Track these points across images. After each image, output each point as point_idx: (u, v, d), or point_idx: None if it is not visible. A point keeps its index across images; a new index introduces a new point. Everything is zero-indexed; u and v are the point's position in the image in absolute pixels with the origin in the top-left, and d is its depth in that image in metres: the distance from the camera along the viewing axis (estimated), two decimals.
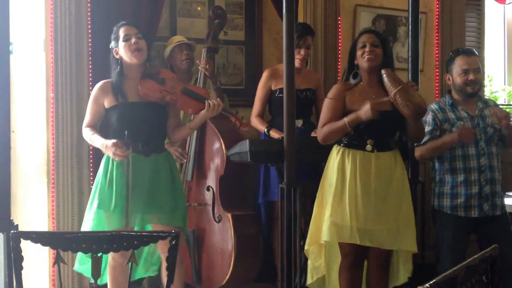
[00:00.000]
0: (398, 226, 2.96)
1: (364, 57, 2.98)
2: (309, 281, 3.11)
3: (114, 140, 2.85)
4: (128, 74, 3.04)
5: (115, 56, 3.04)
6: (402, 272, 3.07)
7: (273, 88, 3.88)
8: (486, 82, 5.34)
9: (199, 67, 3.77)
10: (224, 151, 3.64)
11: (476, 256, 1.65)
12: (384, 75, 2.96)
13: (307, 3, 4.37)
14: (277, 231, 3.33)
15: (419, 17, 3.65)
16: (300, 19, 4.32)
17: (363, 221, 2.90)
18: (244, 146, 3.25)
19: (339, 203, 2.93)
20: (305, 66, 4.08)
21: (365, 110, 2.87)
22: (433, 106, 3.48)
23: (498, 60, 5.77)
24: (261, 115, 3.91)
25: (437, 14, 4.85)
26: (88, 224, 2.97)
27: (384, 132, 3.01)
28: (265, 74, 3.93)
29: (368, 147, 2.96)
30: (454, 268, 1.53)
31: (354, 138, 2.98)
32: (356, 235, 2.89)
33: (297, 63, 3.55)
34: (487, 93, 5.50)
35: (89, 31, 3.68)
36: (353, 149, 2.98)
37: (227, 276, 3.61)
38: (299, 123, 3.81)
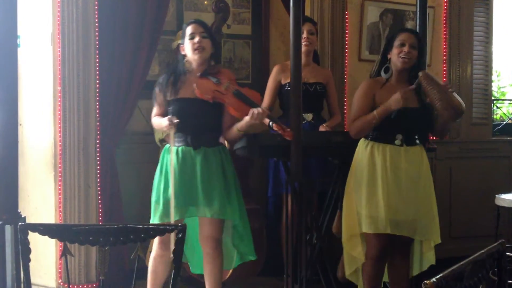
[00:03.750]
0: (426, 217, 3.05)
1: (401, 57, 3.02)
2: (347, 272, 3.15)
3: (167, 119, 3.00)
4: (190, 70, 3.12)
5: (181, 53, 3.13)
6: (425, 260, 3.16)
7: (282, 82, 3.89)
8: (494, 77, 5.31)
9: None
10: (227, 146, 3.64)
11: (482, 251, 1.65)
12: (422, 78, 2.99)
13: None
14: (284, 225, 3.33)
15: (427, 11, 3.64)
16: (307, 13, 4.30)
17: (395, 212, 2.98)
18: (250, 140, 3.25)
19: (372, 196, 3.00)
20: (318, 63, 4.08)
21: (395, 99, 2.95)
22: None
23: (506, 55, 5.74)
24: (269, 109, 3.91)
25: (445, 9, 4.83)
26: (152, 219, 3.06)
27: (412, 128, 3.08)
28: (275, 69, 3.95)
29: (397, 141, 3.02)
30: (461, 263, 1.53)
31: (382, 133, 3.03)
32: (388, 226, 2.96)
33: (303, 48, 3.53)
34: (495, 88, 5.47)
35: (96, 24, 3.68)
36: (382, 143, 3.03)
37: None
38: (308, 116, 3.81)
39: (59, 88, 3.61)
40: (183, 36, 3.13)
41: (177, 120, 2.97)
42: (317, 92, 3.89)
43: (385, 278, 3.24)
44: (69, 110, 3.62)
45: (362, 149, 3.08)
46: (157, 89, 3.13)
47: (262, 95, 3.97)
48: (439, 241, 3.10)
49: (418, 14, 3.58)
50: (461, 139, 4.92)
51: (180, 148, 3.05)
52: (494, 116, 5.33)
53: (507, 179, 4.92)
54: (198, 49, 3.05)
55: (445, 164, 4.85)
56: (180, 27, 4.20)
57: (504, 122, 5.38)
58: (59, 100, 3.62)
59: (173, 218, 2.95)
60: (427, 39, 3.65)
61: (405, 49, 3.01)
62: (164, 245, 2.99)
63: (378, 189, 2.99)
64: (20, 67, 3.26)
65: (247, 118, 3.01)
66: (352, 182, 3.09)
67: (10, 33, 2.56)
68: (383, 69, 3.08)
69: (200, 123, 3.05)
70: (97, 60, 3.68)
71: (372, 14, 4.59)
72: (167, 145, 3.12)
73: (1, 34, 2.52)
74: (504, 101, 5.64)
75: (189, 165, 3.03)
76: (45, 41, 3.66)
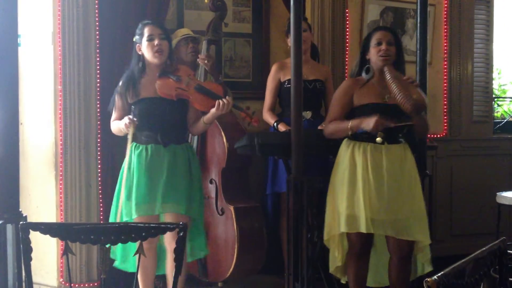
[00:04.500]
0: (410, 216, 3.01)
1: (380, 56, 3.01)
2: (330, 269, 3.17)
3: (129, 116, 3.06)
4: (148, 70, 3.16)
5: (138, 52, 3.16)
6: (420, 264, 3.14)
7: (282, 79, 3.88)
8: (495, 75, 5.31)
9: (198, 61, 3.78)
10: (226, 144, 3.66)
11: (484, 248, 1.65)
12: (386, 72, 3.00)
13: None
14: (285, 224, 3.33)
15: (428, 9, 3.63)
16: (308, 11, 4.30)
17: (377, 211, 2.95)
18: (251, 139, 3.26)
19: (353, 195, 2.98)
20: (318, 58, 4.08)
21: (368, 122, 2.93)
22: None
23: (507, 53, 5.74)
24: (272, 109, 3.92)
25: (446, 7, 4.82)
26: (114, 215, 3.08)
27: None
28: (274, 67, 3.94)
29: (379, 139, 2.99)
30: (463, 261, 1.53)
31: (363, 131, 3.00)
32: (370, 225, 2.94)
33: None
34: (496, 86, 5.47)
35: (97, 23, 3.68)
36: (363, 142, 3.01)
37: (231, 268, 3.62)
38: (308, 114, 3.81)
39: (59, 87, 3.62)
40: (139, 35, 3.14)
41: (135, 119, 3.02)
42: (316, 89, 3.89)
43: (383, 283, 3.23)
44: (70, 109, 3.62)
45: (344, 148, 3.07)
46: (116, 97, 3.16)
47: (263, 93, 3.98)
48: (428, 241, 3.05)
49: (418, 12, 3.58)
50: (462, 137, 4.92)
51: (149, 146, 3.09)
52: (495, 114, 5.33)
53: (508, 177, 4.92)
54: (158, 51, 3.09)
55: (446, 162, 4.85)
56: (181, 25, 4.20)
57: (505, 120, 5.38)
58: (59, 99, 3.62)
59: (140, 214, 3.01)
60: (427, 37, 3.64)
61: (383, 47, 3.01)
62: (150, 240, 2.97)
63: (359, 188, 2.97)
64: (21, 66, 3.25)
65: (213, 110, 3.09)
66: (334, 181, 3.08)
67: (10, 32, 2.55)
68: (364, 69, 3.07)
69: (167, 121, 3.11)
70: (98, 59, 3.68)
71: (373, 12, 4.59)
72: (134, 143, 3.14)
73: (1, 33, 2.52)
74: (505, 99, 5.64)
75: (157, 162, 3.08)
76: (45, 40, 3.66)
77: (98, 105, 3.67)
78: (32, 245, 1.88)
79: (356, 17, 4.53)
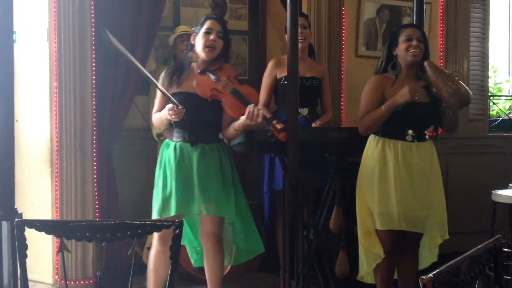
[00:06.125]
0: (437, 212, 3.08)
1: (410, 51, 3.02)
2: (367, 271, 3.12)
3: (169, 105, 2.94)
4: (194, 63, 3.08)
5: (191, 41, 3.10)
6: (428, 256, 3.19)
7: (278, 76, 3.88)
8: (490, 73, 5.32)
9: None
10: (225, 141, 3.64)
11: (479, 246, 1.65)
12: (428, 67, 3.02)
13: None
14: (281, 221, 3.33)
15: (424, 7, 3.64)
16: (304, 9, 4.30)
17: (408, 208, 2.98)
18: (247, 136, 3.25)
19: (384, 192, 3.00)
20: (314, 57, 4.08)
21: (402, 92, 2.94)
22: None
23: (503, 51, 5.74)
24: (266, 105, 3.90)
25: (442, 5, 4.83)
26: (153, 214, 3.05)
27: (422, 123, 3.09)
28: (270, 64, 3.93)
29: (409, 136, 3.02)
30: (458, 258, 1.53)
31: (393, 129, 3.03)
32: (403, 222, 2.97)
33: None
34: (491, 84, 5.48)
35: (93, 20, 3.66)
36: (393, 139, 3.03)
37: (229, 266, 3.61)
38: (304, 111, 3.81)
39: (55, 84, 3.60)
40: (198, 26, 3.08)
41: (181, 106, 2.91)
42: (313, 86, 3.89)
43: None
44: (66, 106, 3.61)
45: (373, 145, 3.07)
46: (162, 81, 3.08)
47: (259, 91, 3.97)
48: (448, 236, 3.12)
49: (415, 10, 3.58)
50: (457, 135, 4.90)
51: (178, 144, 3.03)
52: (491, 112, 5.34)
53: (503, 175, 4.93)
54: (209, 47, 3.02)
55: (442, 160, 4.79)
56: (177, 23, 4.20)
57: (501, 118, 5.39)
58: (55, 96, 3.61)
59: (171, 214, 2.95)
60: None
61: (414, 43, 3.01)
62: (164, 241, 2.96)
63: (391, 185, 2.99)
64: (16, 63, 3.24)
65: (243, 117, 2.98)
66: (363, 179, 3.08)
67: (6, 29, 2.54)
68: (390, 65, 3.08)
69: (198, 119, 3.02)
70: (94, 56, 3.67)
71: (369, 10, 4.59)
72: (166, 140, 3.11)
73: None
74: (501, 97, 5.64)
75: (187, 161, 3.01)
76: (41, 37, 3.65)
77: (93, 102, 3.65)
78: (28, 242, 1.87)
79: (353, 15, 4.53)
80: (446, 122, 3.12)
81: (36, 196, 3.71)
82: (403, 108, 2.98)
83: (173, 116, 2.93)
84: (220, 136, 3.16)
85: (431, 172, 3.08)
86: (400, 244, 3.09)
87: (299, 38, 3.68)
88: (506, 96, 5.69)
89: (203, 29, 3.04)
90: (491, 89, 5.42)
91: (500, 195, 3.77)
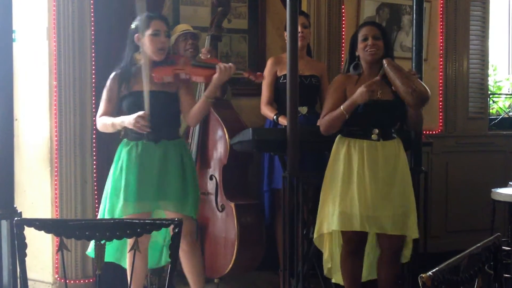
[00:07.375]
0: (403, 212, 3.02)
1: (367, 51, 3.01)
2: (325, 271, 3.17)
3: (140, 113, 2.89)
4: (141, 63, 3.04)
5: (136, 42, 3.04)
6: (402, 257, 3.14)
7: (278, 74, 3.88)
8: (490, 71, 5.32)
9: (200, 56, 3.77)
10: (228, 140, 3.64)
11: (478, 244, 1.65)
12: (386, 65, 2.98)
13: None
14: (280, 220, 3.33)
15: (424, 5, 3.64)
16: (304, 7, 4.30)
17: (371, 208, 2.94)
18: (247, 135, 3.25)
19: (347, 192, 2.97)
20: (310, 56, 4.07)
21: (359, 92, 2.92)
22: None
23: (503, 49, 5.74)
24: (270, 103, 3.90)
25: (442, 3, 4.83)
26: (102, 212, 3.02)
27: (387, 122, 3.05)
28: (269, 61, 3.93)
29: (374, 136, 2.99)
30: (457, 257, 1.53)
31: (358, 128, 3.01)
32: (365, 223, 2.94)
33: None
34: (491, 82, 5.48)
35: (92, 19, 3.66)
36: (358, 139, 3.01)
37: (230, 265, 3.62)
38: (303, 110, 3.81)
39: (55, 83, 3.60)
40: (143, 26, 3.00)
41: (147, 112, 2.88)
42: (312, 84, 3.89)
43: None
44: (65, 105, 3.61)
45: (339, 145, 3.05)
46: (111, 83, 3.03)
47: (259, 89, 3.97)
48: (417, 236, 3.07)
49: (414, 8, 3.58)
50: (457, 133, 4.93)
51: (139, 142, 2.99)
52: (490, 111, 5.34)
53: (503, 173, 4.93)
54: (162, 49, 3.00)
55: (441, 158, 4.86)
56: (177, 21, 4.19)
57: (500, 117, 5.39)
58: (55, 95, 3.61)
59: (129, 213, 2.94)
60: (423, 34, 3.65)
61: (369, 42, 3.01)
62: (142, 238, 2.94)
63: (353, 185, 2.96)
64: (16, 62, 3.24)
65: (215, 76, 2.96)
66: (328, 179, 3.06)
67: (5, 28, 2.54)
68: (352, 66, 3.08)
69: (158, 116, 2.97)
70: (93, 54, 3.67)
71: (369, 8, 4.59)
72: (125, 139, 3.07)
73: None
74: (500, 96, 5.64)
75: (148, 159, 2.98)
76: (40, 36, 3.65)
77: (93, 101, 3.65)
78: (27, 241, 1.87)
79: (352, 14, 4.53)
80: (407, 121, 3.10)
81: (35, 195, 3.71)
82: (366, 107, 2.96)
83: (140, 129, 2.89)
84: (180, 132, 3.19)
85: (396, 171, 3.02)
86: (365, 244, 3.08)
87: (300, 36, 3.68)
88: (506, 94, 5.69)
89: (149, 31, 2.99)
90: (491, 87, 5.41)
91: (499, 194, 3.77)
